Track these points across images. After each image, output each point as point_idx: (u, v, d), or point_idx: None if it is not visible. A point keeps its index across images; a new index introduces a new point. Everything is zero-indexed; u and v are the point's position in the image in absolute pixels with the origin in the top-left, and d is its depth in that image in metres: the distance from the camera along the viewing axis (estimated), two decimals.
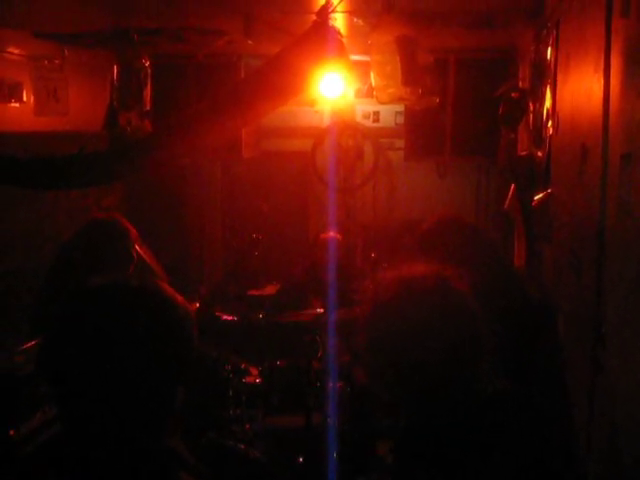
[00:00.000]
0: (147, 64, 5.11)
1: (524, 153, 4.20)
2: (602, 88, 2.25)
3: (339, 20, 3.98)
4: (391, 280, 1.79)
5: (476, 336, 1.69)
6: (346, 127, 6.65)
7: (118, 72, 5.18)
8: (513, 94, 4.44)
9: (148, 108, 5.37)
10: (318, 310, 4.78)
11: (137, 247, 3.95)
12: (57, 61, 5.05)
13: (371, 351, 1.77)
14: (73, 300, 1.54)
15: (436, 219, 2.92)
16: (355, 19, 4.09)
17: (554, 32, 3.30)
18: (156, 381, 1.48)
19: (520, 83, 4.83)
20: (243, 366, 4.33)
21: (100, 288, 1.54)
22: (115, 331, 1.46)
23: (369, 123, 6.72)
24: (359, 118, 6.72)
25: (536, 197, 3.50)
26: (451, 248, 2.62)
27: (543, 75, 3.61)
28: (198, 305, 4.57)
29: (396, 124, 6.58)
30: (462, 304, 1.72)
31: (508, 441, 1.64)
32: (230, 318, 4.88)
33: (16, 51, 4.62)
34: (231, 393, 4.15)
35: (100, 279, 1.56)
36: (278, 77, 3.60)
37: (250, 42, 4.32)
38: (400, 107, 6.18)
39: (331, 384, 4.02)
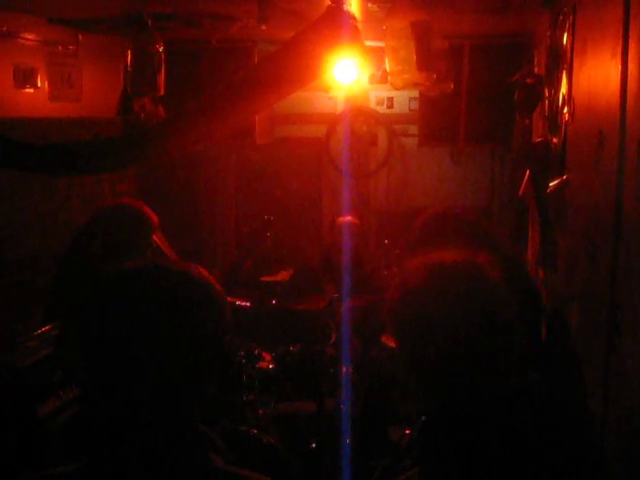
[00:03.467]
0: (161, 49, 5.10)
1: (539, 139, 4.18)
2: (619, 74, 2.23)
3: (354, 5, 3.96)
4: (421, 265, 1.77)
5: (507, 325, 1.68)
6: (360, 113, 6.63)
7: (132, 58, 5.18)
8: (528, 80, 4.42)
9: (162, 94, 5.36)
10: (332, 295, 4.78)
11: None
12: (71, 47, 5.05)
13: (398, 337, 1.76)
14: (115, 280, 1.54)
15: (427, 216, 2.92)
16: (369, 4, 4.06)
17: (570, 17, 3.28)
18: (192, 364, 1.49)
19: (536, 69, 4.80)
20: (256, 352, 4.34)
21: (139, 270, 1.55)
22: (154, 313, 1.47)
23: (383, 109, 6.70)
24: (373, 104, 6.70)
25: (551, 184, 3.48)
26: (445, 244, 2.61)
27: (559, 61, 3.59)
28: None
29: (410, 110, 6.56)
30: (494, 291, 1.71)
31: (533, 433, 1.63)
32: (244, 304, 4.89)
33: (31, 37, 4.63)
34: (244, 379, 4.17)
35: (138, 261, 1.57)
36: (292, 63, 3.59)
37: (264, 27, 4.31)
38: (414, 93, 6.16)
39: (344, 370, 4.03)
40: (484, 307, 1.68)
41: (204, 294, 1.55)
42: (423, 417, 1.83)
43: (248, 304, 4.96)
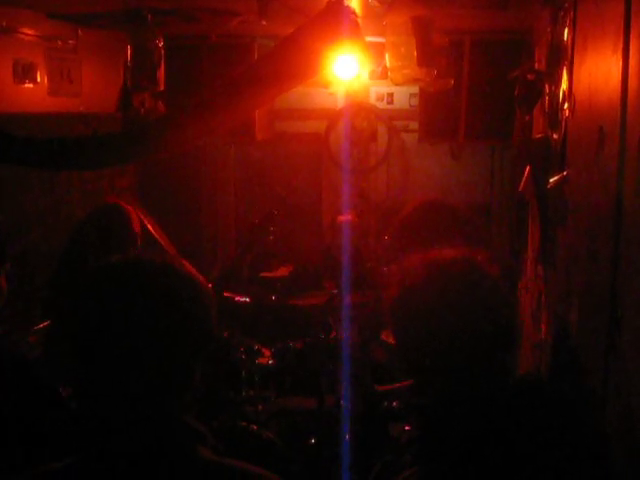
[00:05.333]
0: (161, 45, 5.09)
1: (540, 135, 4.17)
2: (620, 70, 2.23)
3: (354, 0, 3.95)
4: (420, 262, 1.78)
5: (506, 322, 1.68)
6: (360, 109, 6.62)
7: (132, 53, 5.17)
8: (529, 76, 4.40)
9: (162, 89, 5.36)
10: (332, 292, 4.79)
11: (150, 228, 3.96)
12: (71, 42, 5.05)
13: (398, 333, 1.76)
14: (93, 276, 1.56)
15: (415, 204, 2.94)
16: None
17: (571, 13, 3.27)
18: (176, 356, 1.50)
19: (536, 65, 4.78)
20: (256, 347, 4.34)
21: (121, 264, 1.56)
22: (136, 305, 1.48)
23: (383, 105, 6.69)
24: (373, 100, 6.69)
25: (551, 180, 3.48)
26: (430, 232, 2.62)
27: (560, 57, 3.58)
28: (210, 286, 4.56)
29: (410, 106, 6.55)
30: (493, 288, 1.71)
31: (531, 431, 1.63)
32: (243, 299, 4.89)
33: (30, 32, 4.62)
34: (244, 374, 4.17)
35: (121, 255, 1.58)
36: (292, 58, 3.58)
37: (264, 23, 4.30)
38: (414, 89, 6.15)
39: (344, 366, 4.03)
40: (484, 304, 1.68)
41: (189, 286, 1.56)
42: (421, 413, 1.83)
43: (248, 300, 4.96)
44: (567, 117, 3.31)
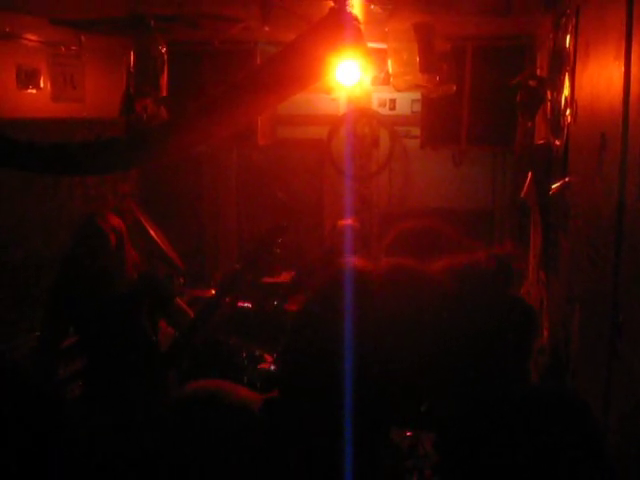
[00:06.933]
0: (163, 50, 5.10)
1: (542, 142, 4.18)
2: (622, 76, 2.23)
3: (356, 7, 3.96)
4: (444, 267, 1.77)
5: (517, 326, 1.68)
6: (362, 115, 6.63)
7: (134, 59, 5.17)
8: (531, 82, 4.41)
9: (164, 95, 5.37)
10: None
11: (152, 233, 3.97)
12: (74, 48, 5.06)
13: (405, 338, 1.76)
14: None
15: (400, 229, 2.96)
16: (372, 6, 4.06)
17: (573, 19, 3.27)
18: None
19: (538, 71, 4.79)
20: (258, 353, 4.34)
21: None
22: None
23: (385, 111, 6.70)
24: (375, 106, 6.70)
25: (553, 186, 3.48)
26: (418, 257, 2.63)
27: (562, 63, 3.59)
28: (216, 292, 4.55)
29: (412, 112, 6.56)
30: (507, 293, 1.71)
31: (540, 434, 1.64)
32: (245, 305, 4.89)
33: (33, 38, 4.64)
34: (246, 380, 4.17)
35: None
36: (294, 64, 3.59)
37: (266, 29, 4.31)
38: (417, 95, 6.16)
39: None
40: (497, 309, 1.68)
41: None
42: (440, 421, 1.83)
43: (249, 305, 4.96)
44: (569, 123, 3.32)
